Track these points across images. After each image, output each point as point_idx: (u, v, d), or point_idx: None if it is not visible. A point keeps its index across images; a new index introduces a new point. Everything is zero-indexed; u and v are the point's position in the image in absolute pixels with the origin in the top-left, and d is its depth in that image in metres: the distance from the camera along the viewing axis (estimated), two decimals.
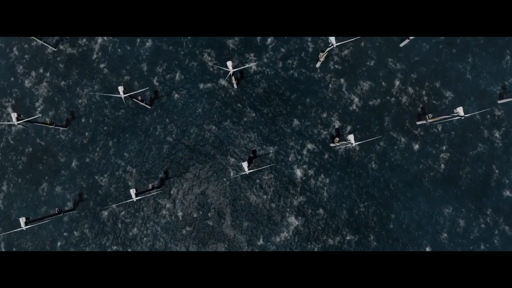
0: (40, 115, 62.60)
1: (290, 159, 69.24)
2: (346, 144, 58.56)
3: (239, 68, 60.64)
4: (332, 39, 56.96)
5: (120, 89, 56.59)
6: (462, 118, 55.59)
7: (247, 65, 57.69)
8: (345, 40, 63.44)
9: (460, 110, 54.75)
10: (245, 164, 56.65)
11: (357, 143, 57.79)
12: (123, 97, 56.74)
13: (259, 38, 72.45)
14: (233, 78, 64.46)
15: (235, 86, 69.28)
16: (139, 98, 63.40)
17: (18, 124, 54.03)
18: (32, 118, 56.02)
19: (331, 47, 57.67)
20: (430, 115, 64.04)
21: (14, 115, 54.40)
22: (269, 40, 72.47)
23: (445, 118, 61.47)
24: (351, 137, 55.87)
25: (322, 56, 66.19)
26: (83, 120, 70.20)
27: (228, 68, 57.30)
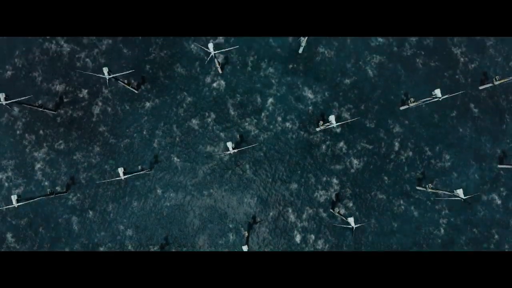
0: (41, 196, 62.80)
1: (289, 224, 69.36)
2: (346, 224, 58.85)
3: (240, 149, 61.32)
4: (332, 118, 57.03)
5: (120, 170, 56.74)
6: (462, 200, 55.63)
7: (246, 146, 57.92)
8: (345, 121, 64.12)
9: (460, 193, 54.84)
10: (245, 248, 56.96)
11: (357, 225, 57.94)
12: (123, 178, 56.90)
13: (259, 99, 72.44)
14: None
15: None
16: (140, 168, 63.62)
17: (18, 206, 54.31)
18: (32, 200, 56.21)
19: (331, 125, 57.77)
20: (430, 185, 64.12)
21: (14, 197, 54.69)
22: (269, 101, 72.51)
23: (445, 195, 61.62)
24: (351, 220, 56.08)
25: (322, 125, 66.27)
26: (83, 182, 70.34)
27: (229, 150, 57.55)
